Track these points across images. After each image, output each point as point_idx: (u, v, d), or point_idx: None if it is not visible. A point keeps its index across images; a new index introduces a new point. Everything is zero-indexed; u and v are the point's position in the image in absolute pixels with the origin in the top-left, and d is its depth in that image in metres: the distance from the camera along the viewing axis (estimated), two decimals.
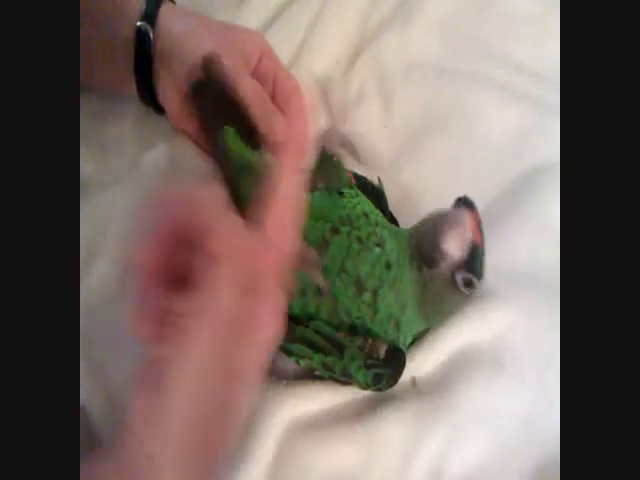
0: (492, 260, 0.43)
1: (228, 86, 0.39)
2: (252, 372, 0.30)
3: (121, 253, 0.43)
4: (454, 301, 0.40)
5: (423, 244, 0.38)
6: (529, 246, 0.46)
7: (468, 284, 0.38)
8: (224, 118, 0.39)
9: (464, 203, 0.38)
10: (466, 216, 0.37)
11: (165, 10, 0.45)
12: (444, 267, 0.37)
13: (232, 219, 0.30)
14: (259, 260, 0.28)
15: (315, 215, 0.38)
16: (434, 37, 0.57)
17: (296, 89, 0.47)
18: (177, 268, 0.30)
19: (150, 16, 0.44)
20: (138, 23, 0.44)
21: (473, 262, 0.37)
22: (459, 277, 0.37)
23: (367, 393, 0.40)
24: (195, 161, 0.47)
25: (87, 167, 0.46)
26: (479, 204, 0.39)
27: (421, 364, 0.40)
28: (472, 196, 0.39)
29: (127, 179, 0.46)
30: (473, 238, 0.37)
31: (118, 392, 0.39)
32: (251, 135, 0.40)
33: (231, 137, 0.39)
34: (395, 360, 0.38)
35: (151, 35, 0.44)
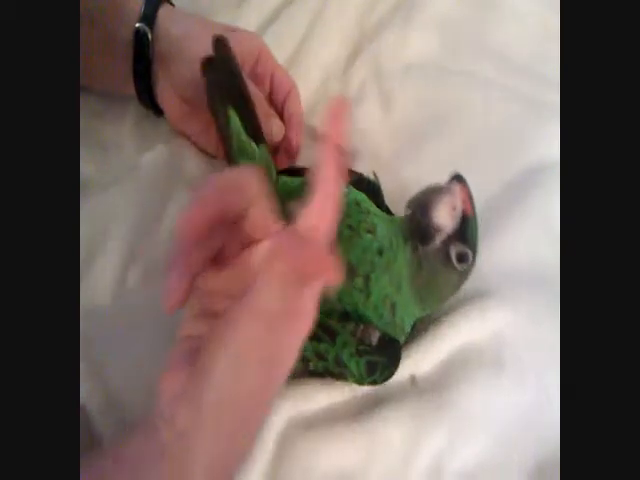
0: (492, 258, 0.44)
1: (236, 66, 0.40)
2: (288, 360, 0.30)
3: (121, 253, 0.43)
4: (449, 280, 0.40)
5: (415, 217, 0.38)
6: (529, 244, 0.46)
7: (461, 258, 0.38)
8: (230, 99, 0.39)
9: (454, 178, 0.39)
10: (456, 187, 0.38)
11: (164, 12, 0.45)
12: (438, 241, 0.38)
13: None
14: (305, 250, 0.28)
15: None
16: (433, 36, 0.56)
17: (293, 89, 0.47)
18: (219, 248, 0.31)
19: (149, 18, 0.44)
20: (137, 24, 0.44)
21: (465, 232, 0.38)
22: (453, 251, 0.38)
23: (366, 392, 0.40)
24: (194, 162, 0.48)
25: (86, 167, 0.46)
26: (479, 203, 0.40)
27: (420, 363, 0.40)
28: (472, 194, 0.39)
29: (126, 179, 0.46)
30: (464, 207, 0.38)
31: (118, 392, 0.39)
32: (253, 122, 0.40)
33: (233, 120, 0.39)
34: (390, 349, 0.38)
35: (149, 37, 0.44)
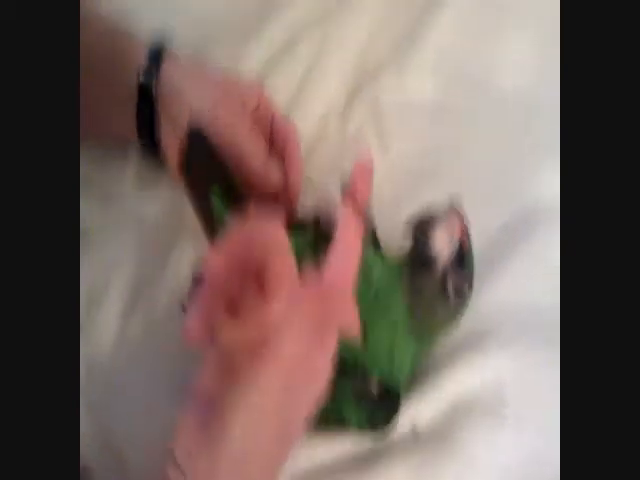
0: (491, 300, 0.44)
1: (215, 152, 0.41)
2: (302, 419, 0.30)
3: (123, 302, 0.44)
4: (446, 310, 0.40)
5: (413, 244, 0.38)
6: (529, 289, 0.46)
7: (458, 287, 0.38)
8: (211, 181, 0.41)
9: (451, 205, 0.39)
10: (453, 215, 0.38)
11: (168, 59, 0.46)
12: (435, 268, 0.38)
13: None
14: (326, 307, 0.29)
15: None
16: (432, 76, 0.57)
17: (293, 135, 0.48)
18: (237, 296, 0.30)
19: (154, 63, 0.45)
20: (141, 71, 0.45)
21: (462, 261, 0.38)
22: (450, 279, 0.38)
23: (367, 445, 0.39)
24: None
25: (88, 216, 0.46)
26: (477, 243, 0.40)
27: (421, 412, 0.40)
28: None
29: (128, 228, 0.47)
30: (460, 236, 0.38)
31: (118, 439, 0.39)
32: (237, 197, 0.42)
33: (216, 200, 0.40)
34: (389, 399, 0.38)
35: (154, 82, 0.45)
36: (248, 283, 0.30)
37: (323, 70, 0.57)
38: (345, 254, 0.30)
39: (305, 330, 0.28)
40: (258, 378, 0.27)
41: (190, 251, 0.45)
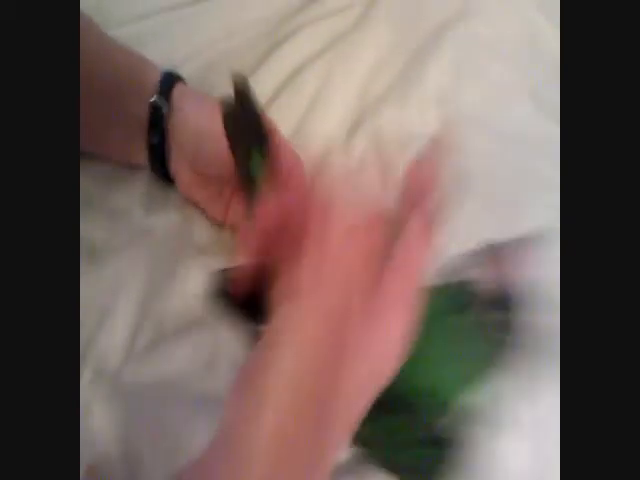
0: None
1: (256, 105, 0.40)
2: (354, 399, 0.28)
3: (131, 317, 0.44)
4: (488, 348, 0.39)
5: (451, 285, 0.38)
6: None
7: (500, 327, 0.37)
8: (252, 141, 0.40)
9: (493, 245, 0.39)
10: (492, 255, 0.38)
11: (178, 88, 0.48)
12: (476, 307, 0.37)
13: None
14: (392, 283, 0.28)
15: None
16: (433, 109, 0.58)
17: (298, 163, 0.49)
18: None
19: (164, 93, 0.47)
20: (152, 98, 0.47)
21: (504, 301, 0.37)
22: (490, 319, 0.37)
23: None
24: (203, 228, 0.49)
25: (96, 233, 0.48)
26: None
27: None
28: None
29: (136, 244, 0.47)
30: (502, 274, 0.38)
31: (125, 456, 0.39)
32: (273, 158, 0.41)
33: (256, 162, 0.40)
34: (438, 445, 0.37)
35: (165, 110, 0.47)
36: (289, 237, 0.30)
37: (327, 102, 0.58)
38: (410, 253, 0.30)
39: (356, 286, 0.27)
40: (297, 331, 0.27)
41: (197, 267, 0.46)
